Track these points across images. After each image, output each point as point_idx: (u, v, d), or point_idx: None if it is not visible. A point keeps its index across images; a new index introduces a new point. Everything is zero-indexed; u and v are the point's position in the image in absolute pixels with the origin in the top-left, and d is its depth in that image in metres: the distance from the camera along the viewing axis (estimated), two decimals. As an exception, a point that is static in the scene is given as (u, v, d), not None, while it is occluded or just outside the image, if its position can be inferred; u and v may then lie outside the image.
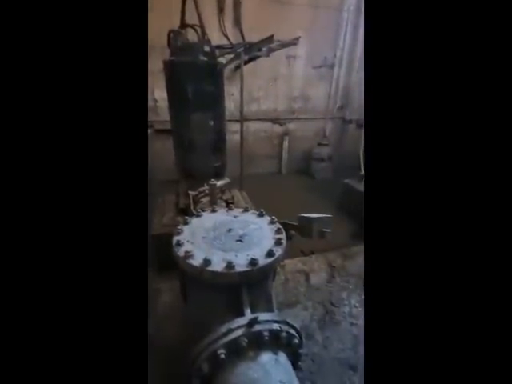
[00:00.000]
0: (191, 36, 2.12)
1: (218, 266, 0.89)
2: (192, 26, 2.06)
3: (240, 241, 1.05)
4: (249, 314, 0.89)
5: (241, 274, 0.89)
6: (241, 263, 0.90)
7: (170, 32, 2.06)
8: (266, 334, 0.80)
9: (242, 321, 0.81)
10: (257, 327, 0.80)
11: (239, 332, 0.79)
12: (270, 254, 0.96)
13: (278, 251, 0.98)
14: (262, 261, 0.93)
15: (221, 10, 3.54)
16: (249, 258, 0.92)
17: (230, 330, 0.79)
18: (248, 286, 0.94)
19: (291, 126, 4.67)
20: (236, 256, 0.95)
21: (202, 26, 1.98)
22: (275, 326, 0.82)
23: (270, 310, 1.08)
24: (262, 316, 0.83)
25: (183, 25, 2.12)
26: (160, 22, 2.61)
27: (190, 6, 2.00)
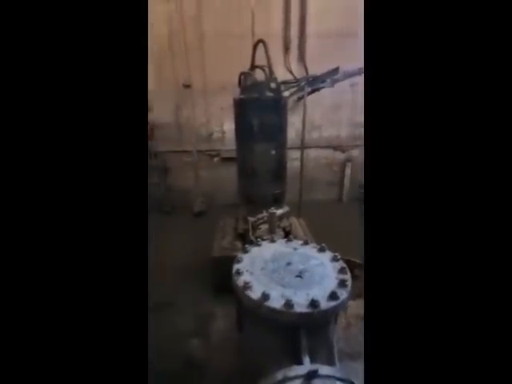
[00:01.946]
0: (260, 74, 2.33)
1: (276, 302, 0.86)
2: (261, 67, 2.27)
3: (299, 277, 1.00)
4: (307, 363, 0.81)
5: (300, 315, 0.83)
6: (300, 303, 0.85)
7: (241, 74, 2.31)
8: (326, 392, 0.70)
9: (301, 370, 0.74)
10: (316, 382, 0.72)
11: (296, 383, 0.72)
12: (333, 296, 0.87)
13: (343, 294, 0.89)
14: (324, 303, 0.85)
15: (286, 49, 3.82)
16: (309, 298, 0.86)
17: (287, 379, 0.72)
18: (307, 329, 0.87)
19: (354, 152, 4.45)
20: (295, 294, 0.89)
21: (269, 66, 2.16)
22: (338, 386, 0.72)
23: (330, 360, 0.96)
24: (323, 369, 0.74)
25: (253, 66, 2.36)
26: (233, 65, 2.98)
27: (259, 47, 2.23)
